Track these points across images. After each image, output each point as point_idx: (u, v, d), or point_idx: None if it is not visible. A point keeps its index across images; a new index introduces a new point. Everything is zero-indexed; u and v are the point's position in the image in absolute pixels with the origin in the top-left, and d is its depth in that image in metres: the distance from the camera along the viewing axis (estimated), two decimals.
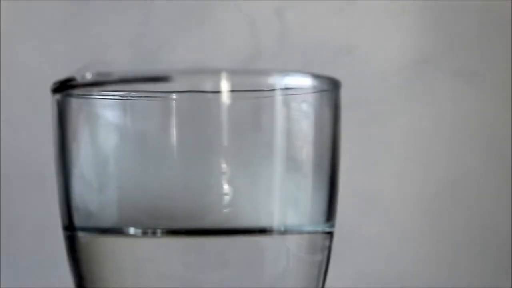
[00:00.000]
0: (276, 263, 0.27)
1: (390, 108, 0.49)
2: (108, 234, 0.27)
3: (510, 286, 0.49)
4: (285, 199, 0.27)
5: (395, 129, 0.49)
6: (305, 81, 0.28)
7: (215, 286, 0.27)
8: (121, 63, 0.47)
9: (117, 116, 0.28)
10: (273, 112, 0.27)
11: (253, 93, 0.27)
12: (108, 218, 0.27)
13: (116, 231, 0.27)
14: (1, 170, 0.47)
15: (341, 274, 0.48)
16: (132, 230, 0.27)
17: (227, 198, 0.27)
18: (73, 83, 0.28)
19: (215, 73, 0.26)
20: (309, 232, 0.28)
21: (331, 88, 0.29)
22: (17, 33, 0.48)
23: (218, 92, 0.26)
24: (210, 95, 0.27)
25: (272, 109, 0.27)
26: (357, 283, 0.49)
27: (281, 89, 0.27)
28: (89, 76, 0.27)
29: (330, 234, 0.29)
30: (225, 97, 0.26)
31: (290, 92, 0.27)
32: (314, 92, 0.28)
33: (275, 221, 0.27)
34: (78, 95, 0.28)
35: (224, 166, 0.27)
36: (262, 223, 0.27)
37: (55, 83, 0.28)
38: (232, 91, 0.27)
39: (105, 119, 0.28)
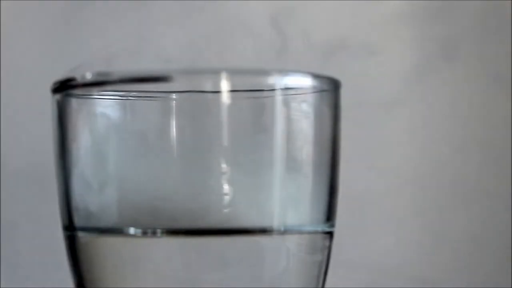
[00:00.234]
0: (276, 263, 0.27)
1: (390, 108, 0.49)
2: (108, 234, 0.27)
3: (510, 286, 0.49)
4: (285, 199, 0.27)
5: (395, 129, 0.49)
6: (305, 81, 0.28)
7: (215, 286, 0.27)
8: (121, 63, 0.47)
9: (117, 116, 0.28)
10: (273, 112, 0.27)
11: (253, 93, 0.27)
12: (108, 218, 0.27)
13: (116, 231, 0.27)
14: (1, 170, 0.47)
15: (340, 273, 0.48)
16: (132, 230, 0.27)
17: (227, 198, 0.27)
18: (73, 83, 0.28)
19: (215, 73, 0.26)
20: (309, 232, 0.28)
21: (331, 88, 0.29)
22: (17, 33, 0.48)
23: (218, 92, 0.26)
24: (210, 95, 0.27)
25: (272, 109, 0.27)
26: (356, 282, 0.49)
27: (281, 89, 0.27)
28: (89, 76, 0.27)
29: (330, 234, 0.29)
30: (225, 97, 0.26)
31: (290, 92, 0.27)
32: (314, 92, 0.28)
33: (275, 221, 0.27)
34: (78, 95, 0.28)
35: (224, 166, 0.27)
36: (262, 223, 0.27)
37: (55, 83, 0.28)
38: (232, 91, 0.27)
39: (105, 119, 0.28)
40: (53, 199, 0.29)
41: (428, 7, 0.49)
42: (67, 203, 0.28)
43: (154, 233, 0.27)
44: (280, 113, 0.27)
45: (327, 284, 0.29)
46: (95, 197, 0.28)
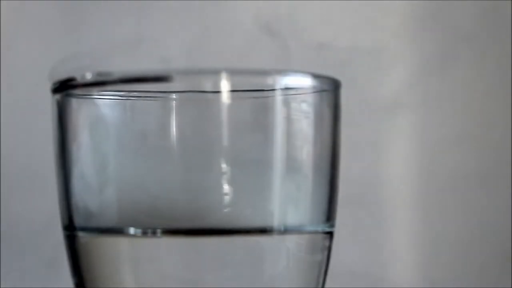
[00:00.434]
0: (276, 263, 0.27)
1: (391, 109, 0.49)
2: (108, 234, 0.27)
3: (510, 286, 0.49)
4: (285, 199, 0.27)
5: (395, 129, 0.49)
6: (305, 81, 0.28)
7: (215, 286, 0.27)
8: (119, 63, 0.47)
9: (117, 116, 0.28)
10: (273, 112, 0.27)
11: (253, 93, 0.27)
12: (108, 218, 0.27)
13: (116, 231, 0.27)
14: (1, 170, 0.47)
15: (339, 273, 0.48)
16: (132, 230, 0.27)
17: (227, 198, 0.27)
18: (73, 83, 0.28)
19: (215, 73, 0.26)
20: (309, 232, 0.28)
21: (331, 88, 0.29)
22: (17, 33, 0.48)
23: (218, 92, 0.26)
24: (210, 95, 0.27)
25: (272, 109, 0.27)
26: (355, 282, 0.49)
27: (281, 89, 0.27)
28: (89, 76, 0.27)
29: (330, 234, 0.29)
30: (225, 97, 0.26)
31: (290, 92, 0.27)
32: (314, 92, 0.28)
33: (275, 221, 0.27)
34: (78, 95, 0.28)
35: (224, 166, 0.27)
36: (262, 223, 0.27)
37: (55, 83, 0.28)
38: (232, 91, 0.27)
39: (105, 119, 0.28)
40: (53, 199, 0.29)
41: (428, 7, 0.49)
42: (67, 203, 0.28)
43: (154, 233, 0.27)
44: (280, 113, 0.27)
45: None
46: (95, 197, 0.28)
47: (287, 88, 0.27)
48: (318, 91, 0.28)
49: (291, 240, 0.27)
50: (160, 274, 0.27)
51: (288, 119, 0.27)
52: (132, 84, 0.27)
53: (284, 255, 0.27)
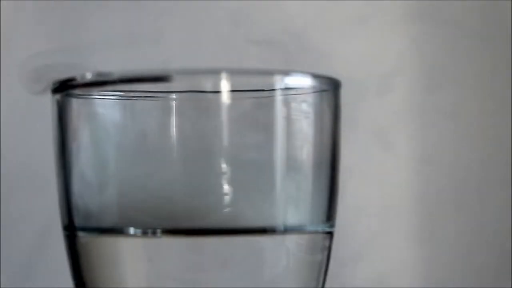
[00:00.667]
0: (276, 263, 0.27)
1: (391, 110, 0.49)
2: (108, 234, 0.27)
3: (510, 286, 0.49)
4: (285, 199, 0.27)
5: (396, 131, 0.49)
6: (305, 81, 0.28)
7: (215, 286, 0.27)
8: (118, 63, 0.47)
9: (117, 116, 0.28)
10: (273, 112, 0.27)
11: (253, 93, 0.27)
12: (108, 218, 0.27)
13: (116, 231, 0.27)
14: (1, 170, 0.47)
15: (341, 275, 0.48)
16: (132, 230, 0.27)
17: (227, 198, 0.27)
18: (73, 83, 0.28)
19: (215, 73, 0.26)
20: (309, 232, 0.28)
21: (331, 88, 0.29)
22: (17, 33, 0.48)
23: (218, 92, 0.26)
24: (210, 95, 0.27)
25: (272, 109, 0.27)
26: (356, 283, 0.49)
27: (281, 89, 0.27)
28: (89, 76, 0.27)
29: (330, 234, 0.29)
30: (225, 97, 0.26)
31: (290, 92, 0.27)
32: (314, 92, 0.28)
33: (276, 221, 0.27)
34: (78, 95, 0.28)
35: (224, 166, 0.27)
36: (262, 223, 0.27)
37: (55, 83, 0.28)
38: (232, 91, 0.27)
39: (105, 119, 0.28)
40: (53, 199, 0.29)
41: (428, 7, 0.49)
42: (67, 203, 0.28)
43: (154, 233, 0.27)
44: (280, 113, 0.27)
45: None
46: (95, 197, 0.28)
47: (287, 88, 0.27)
48: (318, 91, 0.28)
49: (291, 240, 0.27)
50: (160, 274, 0.27)
51: (288, 119, 0.27)
52: (132, 84, 0.27)
53: (284, 255, 0.27)
